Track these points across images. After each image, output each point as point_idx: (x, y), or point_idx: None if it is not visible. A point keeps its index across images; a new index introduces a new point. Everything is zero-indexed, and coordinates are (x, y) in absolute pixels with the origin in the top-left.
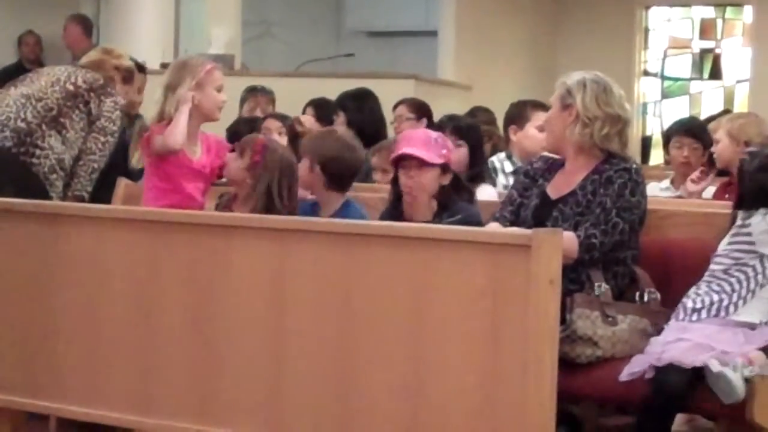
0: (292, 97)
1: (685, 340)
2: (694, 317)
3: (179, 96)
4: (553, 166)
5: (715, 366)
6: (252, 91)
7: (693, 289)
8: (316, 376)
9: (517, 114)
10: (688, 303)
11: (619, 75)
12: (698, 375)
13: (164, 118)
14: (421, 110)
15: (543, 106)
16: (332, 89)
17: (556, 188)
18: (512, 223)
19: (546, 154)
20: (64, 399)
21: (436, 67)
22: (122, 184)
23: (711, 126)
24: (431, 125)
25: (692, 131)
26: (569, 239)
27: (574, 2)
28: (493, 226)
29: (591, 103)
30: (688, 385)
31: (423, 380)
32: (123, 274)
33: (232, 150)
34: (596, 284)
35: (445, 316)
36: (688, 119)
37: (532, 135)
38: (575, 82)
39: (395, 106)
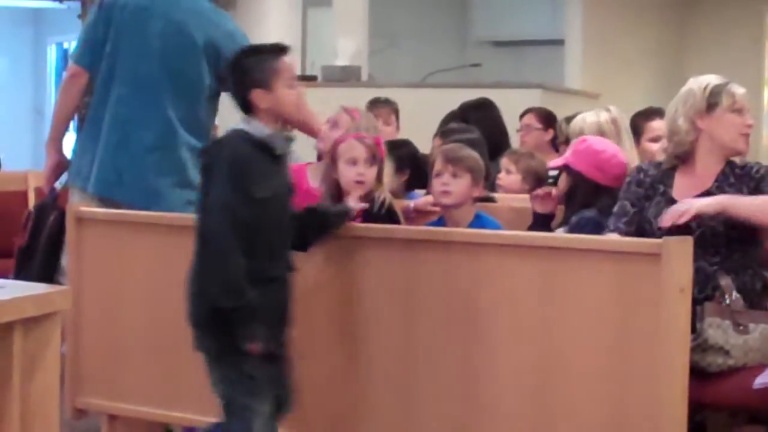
0: (419, 108)
1: None
2: None
3: None
4: (667, 172)
5: None
6: (375, 104)
7: None
8: (443, 385)
9: (632, 130)
10: None
11: (748, 81)
12: None
13: None
14: (548, 120)
15: (658, 114)
16: (458, 100)
17: (682, 191)
18: (629, 234)
19: (655, 160)
20: (92, 394)
21: (563, 75)
22: None
23: None
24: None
25: None
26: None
27: (701, 9)
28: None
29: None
30: None
31: (551, 390)
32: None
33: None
34: (726, 292)
35: (573, 325)
36: None
37: (648, 149)
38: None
39: (523, 114)
